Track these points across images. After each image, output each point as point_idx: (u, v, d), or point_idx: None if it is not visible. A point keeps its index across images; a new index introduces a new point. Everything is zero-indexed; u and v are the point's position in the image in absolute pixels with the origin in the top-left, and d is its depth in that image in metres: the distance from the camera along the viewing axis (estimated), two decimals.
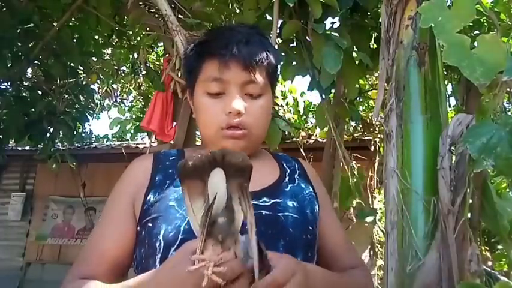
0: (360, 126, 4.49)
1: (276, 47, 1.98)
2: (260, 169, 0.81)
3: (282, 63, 2.16)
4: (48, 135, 3.48)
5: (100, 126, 27.44)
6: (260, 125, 0.78)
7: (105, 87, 6.31)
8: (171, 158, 0.81)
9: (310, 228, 0.74)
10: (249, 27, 0.81)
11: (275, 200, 0.74)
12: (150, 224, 0.70)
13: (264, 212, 0.70)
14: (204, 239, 0.52)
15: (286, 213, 0.72)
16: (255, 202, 0.72)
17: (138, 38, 3.71)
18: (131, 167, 0.81)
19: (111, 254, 0.72)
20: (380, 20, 1.54)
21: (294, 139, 4.79)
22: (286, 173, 0.82)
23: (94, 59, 3.94)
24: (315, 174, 0.89)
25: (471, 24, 1.86)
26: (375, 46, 2.09)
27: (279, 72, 0.88)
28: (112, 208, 0.77)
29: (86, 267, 0.71)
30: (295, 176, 0.83)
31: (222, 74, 0.74)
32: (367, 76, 3.76)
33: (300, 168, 0.86)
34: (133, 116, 7.24)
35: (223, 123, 0.74)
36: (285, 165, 0.85)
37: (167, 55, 3.17)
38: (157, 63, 5.19)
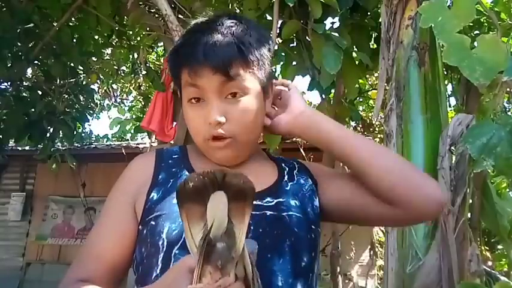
0: (360, 126, 4.49)
1: (276, 47, 1.98)
2: (259, 170, 0.80)
3: (282, 63, 2.16)
4: (48, 135, 3.48)
5: (100, 126, 27.42)
6: (247, 129, 0.73)
7: (105, 87, 6.32)
8: (173, 157, 0.79)
9: (313, 227, 0.73)
10: (222, 20, 0.74)
11: (278, 200, 0.72)
12: (152, 222, 0.69)
13: (268, 213, 0.69)
14: (202, 265, 0.50)
15: (290, 213, 0.71)
16: (259, 203, 0.71)
17: (138, 38, 3.71)
18: (132, 165, 0.80)
19: (109, 257, 0.71)
20: (380, 20, 1.54)
21: (294, 139, 4.78)
22: (285, 172, 0.80)
23: (94, 59, 3.94)
24: (316, 165, 0.88)
25: (471, 24, 1.86)
26: (375, 46, 2.09)
27: (271, 59, 0.80)
28: (111, 208, 0.76)
29: (83, 269, 0.70)
30: (295, 172, 0.81)
31: (195, 81, 0.71)
32: (367, 76, 3.76)
33: (299, 163, 0.85)
34: (133, 116, 7.24)
35: (207, 134, 0.72)
36: (283, 164, 0.83)
37: (167, 55, 3.17)
38: (157, 63, 5.20)
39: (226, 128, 0.71)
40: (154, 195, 0.72)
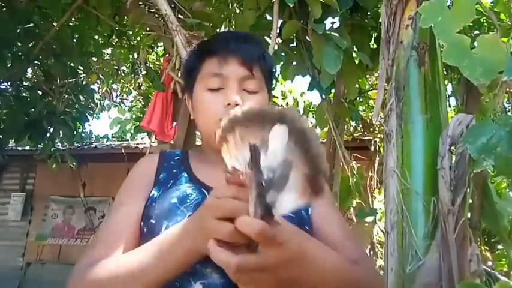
0: (360, 126, 4.49)
1: (276, 47, 1.98)
2: None
3: (282, 63, 2.16)
4: (48, 135, 3.48)
5: (100, 126, 27.46)
6: None
7: (105, 87, 6.31)
8: (175, 158, 0.83)
9: (307, 228, 0.75)
10: (245, 33, 0.90)
11: None
12: (152, 221, 0.71)
13: None
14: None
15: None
16: None
17: (138, 38, 3.71)
18: (139, 165, 0.83)
19: (126, 247, 0.71)
20: (380, 20, 1.54)
21: None
22: None
23: (94, 59, 3.94)
24: None
25: (471, 24, 1.86)
26: (375, 46, 2.09)
27: (275, 78, 0.92)
28: (125, 200, 0.77)
29: (101, 256, 0.69)
30: None
31: (222, 69, 0.77)
32: (367, 76, 3.76)
33: None
34: (133, 116, 7.24)
35: (222, 115, 0.73)
36: None
37: (167, 55, 3.17)
38: (157, 63, 5.19)
39: None
40: (154, 193, 0.75)
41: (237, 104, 0.75)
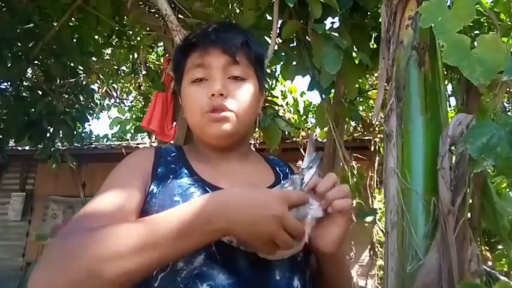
0: (360, 126, 4.50)
1: (276, 47, 1.98)
2: (256, 170, 0.83)
3: (282, 63, 2.17)
4: (48, 135, 3.49)
5: (100, 126, 27.44)
6: (246, 109, 0.77)
7: (105, 87, 6.31)
8: (172, 154, 0.80)
9: None
10: (230, 23, 0.87)
11: None
12: None
13: None
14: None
15: None
16: None
17: (138, 38, 3.71)
18: (134, 156, 0.78)
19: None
20: (380, 20, 1.54)
21: (294, 139, 4.79)
22: (280, 177, 0.83)
23: (94, 59, 3.94)
24: None
25: (471, 24, 1.86)
26: (375, 46, 2.09)
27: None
28: (126, 187, 0.69)
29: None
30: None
31: (203, 59, 0.76)
32: (367, 76, 3.76)
33: (291, 172, 0.87)
34: (134, 116, 7.25)
35: (206, 106, 0.74)
36: (277, 169, 0.86)
37: (167, 55, 3.18)
38: (157, 63, 5.20)
39: (228, 102, 0.75)
40: (154, 189, 0.72)
41: (221, 94, 0.74)
